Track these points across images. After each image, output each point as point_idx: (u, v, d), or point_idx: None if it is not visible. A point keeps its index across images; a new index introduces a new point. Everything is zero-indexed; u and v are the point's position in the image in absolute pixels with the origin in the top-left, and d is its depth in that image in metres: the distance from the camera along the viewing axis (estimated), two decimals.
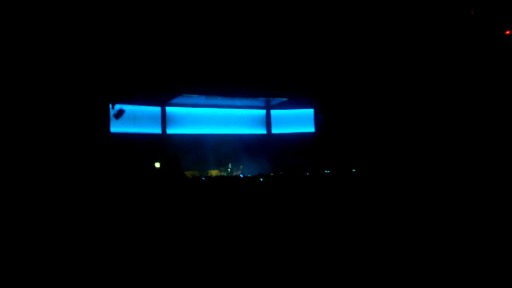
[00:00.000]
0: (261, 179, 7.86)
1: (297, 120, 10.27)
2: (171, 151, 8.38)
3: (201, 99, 9.32)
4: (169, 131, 9.21)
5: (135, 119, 8.73)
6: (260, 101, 9.97)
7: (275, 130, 10.16)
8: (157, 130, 9.15)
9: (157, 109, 9.34)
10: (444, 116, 8.79)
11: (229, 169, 8.69)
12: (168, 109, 9.47)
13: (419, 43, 8.83)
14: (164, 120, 9.26)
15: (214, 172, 8.80)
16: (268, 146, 9.88)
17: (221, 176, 8.17)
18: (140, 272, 4.29)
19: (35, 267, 4.33)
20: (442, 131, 8.76)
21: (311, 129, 10.23)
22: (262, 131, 10.15)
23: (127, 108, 8.43)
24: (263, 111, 10.29)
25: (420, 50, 8.88)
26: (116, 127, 8.38)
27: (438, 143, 8.72)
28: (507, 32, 7.89)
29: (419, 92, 9.13)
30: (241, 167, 8.87)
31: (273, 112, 10.28)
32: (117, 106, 8.38)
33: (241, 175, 8.52)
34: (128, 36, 8.30)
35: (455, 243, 5.28)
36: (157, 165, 8.23)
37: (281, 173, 8.44)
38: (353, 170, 8.68)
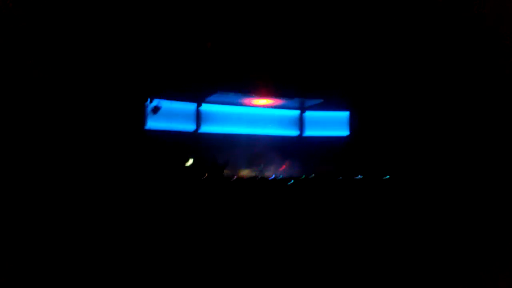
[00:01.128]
0: (292, 181, 7.84)
1: (331, 123, 10.13)
2: (205, 150, 8.50)
3: (236, 98, 9.37)
4: (203, 128, 9.34)
5: (170, 115, 8.89)
6: (294, 102, 9.90)
7: (308, 132, 10.07)
8: (191, 127, 9.29)
9: (193, 106, 9.47)
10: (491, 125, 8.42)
11: (260, 170, 8.72)
12: (204, 106, 9.59)
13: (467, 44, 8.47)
14: (198, 117, 9.39)
15: (244, 172, 8.86)
16: (300, 148, 9.82)
17: (251, 177, 8.21)
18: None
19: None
20: (487, 142, 8.41)
21: (345, 132, 10.07)
22: (295, 132, 10.09)
23: (164, 104, 8.60)
24: (297, 112, 10.22)
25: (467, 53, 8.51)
26: (151, 123, 8.58)
27: (482, 154, 8.38)
28: None
29: (463, 97, 8.78)
30: (272, 168, 8.87)
31: (307, 113, 10.19)
32: (155, 101, 8.57)
33: (272, 177, 8.54)
34: (168, 32, 8.44)
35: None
36: (190, 162, 8.37)
37: (312, 176, 8.38)
38: (387, 176, 8.50)
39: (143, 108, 8.53)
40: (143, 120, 8.49)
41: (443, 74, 8.87)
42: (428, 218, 6.73)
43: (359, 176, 8.53)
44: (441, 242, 5.80)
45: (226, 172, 8.27)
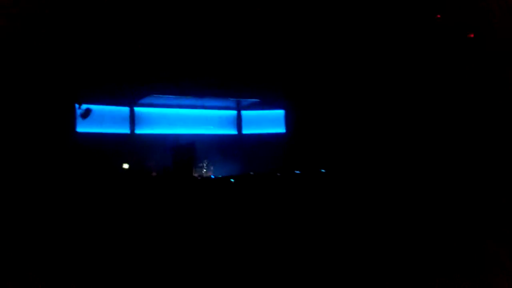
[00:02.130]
0: (232, 180, 7.85)
1: (267, 121, 10.31)
2: (140, 153, 8.24)
3: (171, 100, 9.20)
4: (138, 131, 9.05)
5: (102, 119, 8.51)
6: (230, 102, 9.94)
7: (245, 131, 10.16)
8: (125, 130, 8.97)
9: (126, 109, 9.15)
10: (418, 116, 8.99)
11: (204, 170, 8.63)
12: (137, 109, 9.30)
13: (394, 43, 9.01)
14: (132, 120, 9.09)
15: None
16: (239, 146, 9.87)
17: (192, 177, 8.09)
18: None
19: None
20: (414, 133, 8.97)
21: (281, 130, 10.30)
22: (233, 131, 10.13)
23: (95, 108, 8.23)
24: (234, 112, 10.27)
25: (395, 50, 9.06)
26: (83, 128, 8.16)
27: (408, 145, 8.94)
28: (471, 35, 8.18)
29: (390, 93, 9.34)
30: (212, 168, 8.81)
31: (244, 113, 10.28)
32: (84, 106, 8.16)
33: (212, 176, 8.47)
34: (97, 34, 8.10)
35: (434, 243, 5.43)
36: (125, 166, 8.05)
37: (251, 173, 8.45)
38: (322, 170, 8.80)
39: (72, 111, 8.08)
40: (73, 123, 8.04)
41: (372, 70, 9.38)
42: (363, 209, 7.06)
43: (297, 171, 8.74)
44: (374, 231, 6.10)
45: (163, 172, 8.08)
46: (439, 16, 8.45)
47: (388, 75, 9.29)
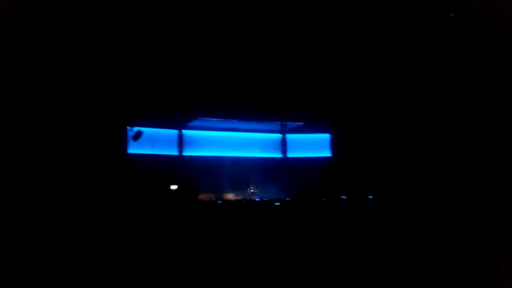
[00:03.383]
0: (277, 204, 7.81)
1: (313, 145, 10.25)
2: (188, 174, 8.41)
3: (218, 123, 9.39)
4: (186, 153, 9.28)
5: (152, 141, 8.81)
6: (276, 125, 10.00)
7: (290, 154, 10.14)
8: (174, 152, 9.23)
9: (174, 132, 9.44)
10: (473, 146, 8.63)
11: (250, 192, 8.68)
12: (185, 132, 9.56)
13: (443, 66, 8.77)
14: (181, 142, 9.34)
15: (229, 196, 8.78)
16: (283, 170, 9.85)
17: (236, 200, 8.14)
18: None
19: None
20: (469, 163, 8.59)
21: (327, 153, 10.18)
22: (278, 154, 10.15)
23: (145, 130, 8.53)
24: (279, 135, 10.31)
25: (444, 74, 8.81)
26: (133, 149, 8.47)
27: (461, 175, 8.56)
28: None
29: (442, 119, 9.03)
30: (257, 190, 8.83)
31: (289, 136, 10.29)
32: (135, 129, 8.49)
33: (257, 199, 8.48)
34: (148, 60, 8.46)
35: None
36: (173, 187, 8.25)
37: (296, 198, 8.37)
38: (370, 196, 8.57)
39: (124, 134, 8.42)
40: (125, 145, 8.37)
41: (422, 96, 9.13)
42: (412, 236, 6.78)
43: (343, 196, 8.58)
44: (424, 260, 5.84)
45: (208, 196, 8.19)
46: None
47: (439, 101, 9.00)
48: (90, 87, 7.96)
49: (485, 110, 8.32)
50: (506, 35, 7.44)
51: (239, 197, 8.36)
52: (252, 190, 8.73)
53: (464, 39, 8.16)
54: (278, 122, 9.83)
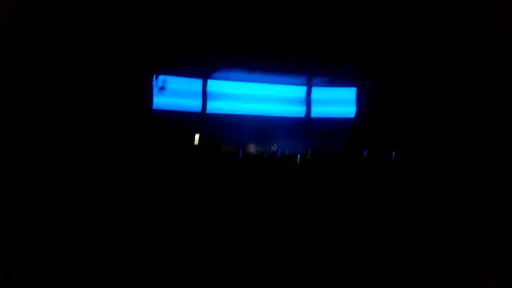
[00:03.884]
0: (298, 158, 7.89)
1: (338, 99, 10.06)
2: (211, 129, 8.51)
3: (242, 74, 9.30)
4: (209, 105, 9.32)
5: (176, 93, 8.85)
6: (301, 78, 9.82)
7: (315, 109, 10.02)
8: (198, 102, 9.29)
9: (199, 81, 9.42)
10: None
11: (272, 149, 8.77)
12: (210, 82, 9.53)
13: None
14: (204, 93, 9.35)
15: (251, 149, 8.88)
16: (307, 124, 9.80)
17: (258, 154, 8.25)
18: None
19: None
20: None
21: (352, 108, 10.01)
22: (302, 109, 10.06)
23: (170, 80, 8.55)
24: (303, 88, 10.15)
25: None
26: (158, 102, 8.56)
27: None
28: None
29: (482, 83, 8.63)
30: (277, 146, 8.90)
31: (314, 89, 10.12)
32: (161, 78, 8.52)
33: (278, 154, 8.57)
34: (172, 6, 8.28)
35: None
36: (196, 138, 8.39)
37: (318, 154, 8.41)
38: (393, 153, 8.52)
39: (150, 86, 8.47)
40: (150, 99, 8.44)
41: (452, 53, 8.68)
42: (434, 198, 6.79)
43: (366, 152, 8.54)
44: (446, 225, 5.87)
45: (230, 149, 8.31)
46: None
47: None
48: (112, 33, 7.87)
49: None
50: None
51: (261, 152, 8.46)
52: (274, 148, 8.80)
53: None
54: (304, 75, 9.64)
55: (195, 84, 9.32)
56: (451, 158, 8.05)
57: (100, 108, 7.43)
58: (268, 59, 9.12)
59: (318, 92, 10.00)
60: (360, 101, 9.90)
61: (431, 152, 8.54)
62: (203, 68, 9.26)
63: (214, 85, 9.45)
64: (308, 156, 8.18)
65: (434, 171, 7.63)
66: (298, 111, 9.86)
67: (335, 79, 9.76)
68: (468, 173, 7.41)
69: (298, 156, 8.00)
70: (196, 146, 8.14)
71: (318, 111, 9.90)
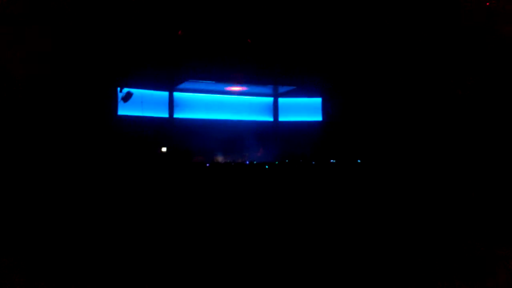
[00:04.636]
0: (267, 167, 7.89)
1: (304, 109, 10.24)
2: (178, 137, 8.42)
3: (209, 85, 9.32)
4: (176, 115, 9.26)
5: (143, 103, 8.76)
6: (268, 89, 9.93)
7: (282, 118, 10.15)
8: (164, 114, 9.20)
9: (165, 94, 9.37)
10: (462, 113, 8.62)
11: (241, 155, 8.76)
12: (176, 94, 9.50)
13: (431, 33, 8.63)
14: (171, 105, 9.30)
15: (219, 159, 8.85)
16: (275, 133, 9.89)
17: (226, 163, 8.21)
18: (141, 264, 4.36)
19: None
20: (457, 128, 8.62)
21: (318, 118, 10.20)
22: (269, 118, 10.15)
23: (135, 92, 8.46)
24: (270, 99, 10.27)
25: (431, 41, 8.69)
26: (124, 111, 8.44)
27: (450, 140, 8.61)
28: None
29: (431, 84, 8.98)
30: (247, 154, 8.91)
31: (281, 100, 10.26)
32: (125, 89, 8.42)
33: (247, 162, 8.56)
34: (137, 20, 8.25)
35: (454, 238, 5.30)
36: (164, 149, 8.28)
37: (287, 161, 8.46)
38: (358, 160, 8.68)
39: (114, 95, 8.36)
40: (115, 107, 8.33)
41: (413, 63, 9.03)
42: (398, 202, 6.93)
43: (333, 160, 8.67)
44: (408, 224, 5.99)
45: (201, 158, 8.25)
46: None
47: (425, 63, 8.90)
48: (79, 47, 7.80)
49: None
50: None
51: (229, 160, 8.42)
52: (243, 153, 8.81)
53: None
54: (270, 86, 9.76)
55: (162, 95, 9.29)
56: (412, 162, 8.29)
57: (68, 116, 7.30)
58: (236, 71, 9.18)
59: (285, 102, 10.17)
60: (326, 110, 10.11)
61: (394, 159, 8.76)
62: (169, 80, 9.23)
63: (180, 96, 9.44)
64: (277, 162, 8.22)
65: (398, 176, 7.81)
66: (266, 118, 9.96)
67: (302, 90, 9.94)
68: (431, 176, 7.64)
69: (267, 164, 8.02)
70: (162, 153, 8.04)
71: (286, 118, 10.05)
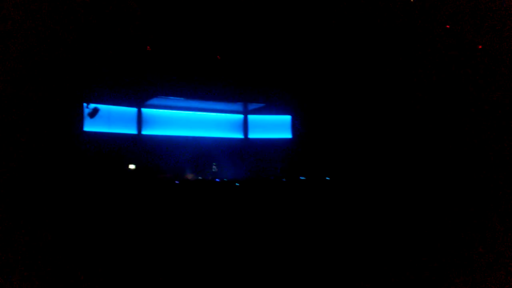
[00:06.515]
0: (237, 184, 7.84)
1: (274, 126, 10.32)
2: (146, 154, 8.26)
3: (178, 102, 9.25)
4: (145, 132, 9.09)
5: (110, 119, 8.56)
6: (237, 106, 9.97)
7: (252, 135, 10.17)
8: (133, 131, 9.02)
9: (133, 110, 9.21)
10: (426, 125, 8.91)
11: (210, 172, 8.67)
12: (144, 110, 9.35)
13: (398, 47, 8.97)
14: (140, 121, 9.13)
15: (189, 176, 8.72)
16: (245, 150, 9.89)
17: (196, 180, 8.11)
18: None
19: None
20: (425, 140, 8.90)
21: (287, 135, 10.30)
22: (240, 135, 10.15)
23: (102, 108, 8.26)
24: (240, 116, 10.30)
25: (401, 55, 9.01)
26: (90, 127, 8.21)
27: (418, 153, 8.87)
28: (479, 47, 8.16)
29: (395, 100, 9.28)
30: (217, 170, 8.84)
31: (251, 117, 10.30)
32: (92, 105, 8.21)
33: (217, 180, 8.49)
34: (105, 34, 8.14)
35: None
36: (132, 166, 8.09)
37: (256, 178, 8.46)
38: (327, 178, 8.78)
39: (80, 111, 8.12)
40: (80, 122, 8.08)
41: (379, 78, 9.34)
42: (366, 218, 7.03)
43: (302, 177, 8.73)
44: (377, 241, 6.09)
45: (167, 176, 8.11)
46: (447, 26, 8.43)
47: (395, 81, 9.23)
48: (45, 62, 7.58)
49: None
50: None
51: (199, 177, 8.32)
52: (213, 170, 8.72)
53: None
54: (240, 103, 9.79)
55: (130, 111, 9.11)
56: (382, 177, 8.48)
57: (32, 131, 7.00)
58: (205, 88, 9.16)
59: (255, 120, 10.22)
60: (296, 127, 10.24)
61: (363, 175, 8.94)
62: (138, 96, 9.09)
63: (150, 112, 9.29)
64: (247, 180, 8.19)
65: (367, 192, 7.95)
66: (236, 135, 9.96)
67: (271, 107, 10.04)
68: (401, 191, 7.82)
69: (237, 181, 7.98)
70: (130, 170, 7.84)
71: (256, 135, 10.09)
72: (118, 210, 6.25)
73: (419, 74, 8.81)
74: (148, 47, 8.78)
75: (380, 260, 5.11)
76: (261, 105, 9.90)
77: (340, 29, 8.81)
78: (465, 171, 7.75)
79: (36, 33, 7.30)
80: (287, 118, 10.41)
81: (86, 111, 8.16)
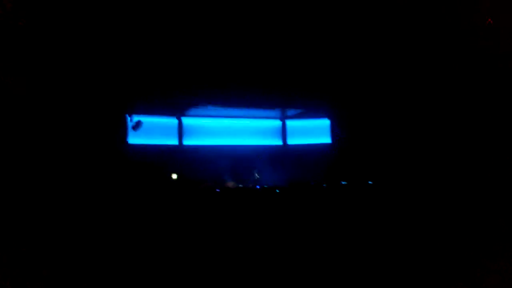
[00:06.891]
0: (277, 190, 7.86)
1: (312, 131, 10.24)
2: (188, 163, 8.44)
3: (217, 110, 9.39)
4: (186, 142, 9.30)
5: (152, 131, 8.82)
6: (275, 112, 9.99)
7: (290, 141, 10.15)
8: (174, 141, 9.25)
9: (174, 120, 9.45)
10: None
11: (251, 180, 8.74)
12: (185, 120, 9.56)
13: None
14: (180, 131, 9.35)
15: (230, 184, 8.82)
16: (284, 157, 9.87)
17: (237, 188, 8.19)
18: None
19: None
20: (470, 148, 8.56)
21: (327, 140, 10.18)
22: (278, 142, 10.16)
23: (145, 120, 8.53)
24: (278, 122, 10.30)
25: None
26: (134, 139, 8.49)
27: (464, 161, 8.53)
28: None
29: (446, 103, 8.96)
30: (258, 177, 8.89)
31: (289, 122, 10.28)
32: (135, 118, 8.49)
33: (257, 186, 8.53)
34: (143, 50, 8.38)
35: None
36: (174, 176, 8.29)
37: (296, 184, 8.42)
38: (370, 182, 8.62)
39: (124, 123, 8.42)
40: (125, 135, 8.38)
41: (422, 80, 9.06)
42: (412, 223, 6.85)
43: (344, 182, 8.62)
44: (424, 246, 5.91)
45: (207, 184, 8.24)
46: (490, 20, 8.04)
47: (443, 84, 8.92)
48: (87, 76, 7.91)
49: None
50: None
51: (239, 185, 8.40)
52: (255, 178, 8.79)
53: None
54: (278, 109, 9.80)
55: (170, 121, 9.36)
56: (424, 181, 8.22)
57: (79, 145, 7.35)
58: (244, 95, 9.24)
59: (293, 125, 10.19)
60: (335, 132, 10.10)
61: (405, 179, 8.69)
62: (178, 106, 9.31)
63: (189, 121, 9.50)
64: (287, 187, 8.18)
65: (410, 195, 7.73)
66: (275, 141, 9.97)
67: (309, 112, 9.97)
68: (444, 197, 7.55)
69: (277, 187, 7.98)
70: (173, 180, 8.04)
71: (295, 141, 10.05)
72: (162, 219, 6.43)
73: (471, 77, 8.47)
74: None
75: (434, 266, 4.98)
76: (299, 110, 9.86)
77: (382, 31, 8.64)
78: None
79: (82, 45, 7.63)
80: (326, 122, 10.30)
81: (130, 124, 8.45)
